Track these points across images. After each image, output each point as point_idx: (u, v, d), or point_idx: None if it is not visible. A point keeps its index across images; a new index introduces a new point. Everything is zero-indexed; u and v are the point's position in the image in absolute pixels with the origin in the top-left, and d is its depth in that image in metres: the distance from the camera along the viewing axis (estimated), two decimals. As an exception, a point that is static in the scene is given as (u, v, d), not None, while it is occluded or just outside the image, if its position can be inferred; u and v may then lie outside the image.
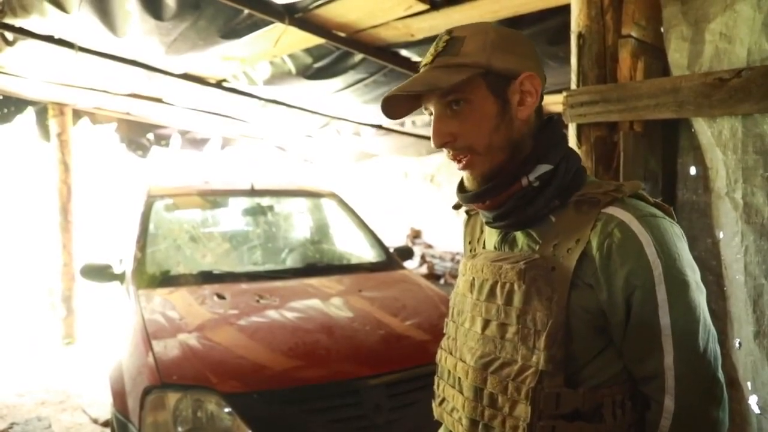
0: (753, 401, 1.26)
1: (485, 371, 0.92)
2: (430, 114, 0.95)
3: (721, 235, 1.31)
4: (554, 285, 0.86)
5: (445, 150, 0.95)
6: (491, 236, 1.04)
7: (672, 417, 0.83)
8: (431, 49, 0.94)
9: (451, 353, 1.03)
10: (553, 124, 0.97)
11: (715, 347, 0.86)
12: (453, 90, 0.89)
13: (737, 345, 1.28)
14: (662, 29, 1.46)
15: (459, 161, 0.94)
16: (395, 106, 0.98)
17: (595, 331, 0.87)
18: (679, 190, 1.45)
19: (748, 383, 1.27)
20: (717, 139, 1.29)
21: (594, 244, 0.85)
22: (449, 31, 0.93)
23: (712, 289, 1.34)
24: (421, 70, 0.93)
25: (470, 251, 1.11)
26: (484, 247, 1.06)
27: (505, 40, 0.91)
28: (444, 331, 1.09)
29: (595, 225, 0.86)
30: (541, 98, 0.95)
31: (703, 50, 1.33)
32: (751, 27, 1.23)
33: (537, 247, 0.92)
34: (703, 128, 1.32)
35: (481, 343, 0.95)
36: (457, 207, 1.12)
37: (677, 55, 1.39)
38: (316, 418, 1.94)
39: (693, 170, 1.41)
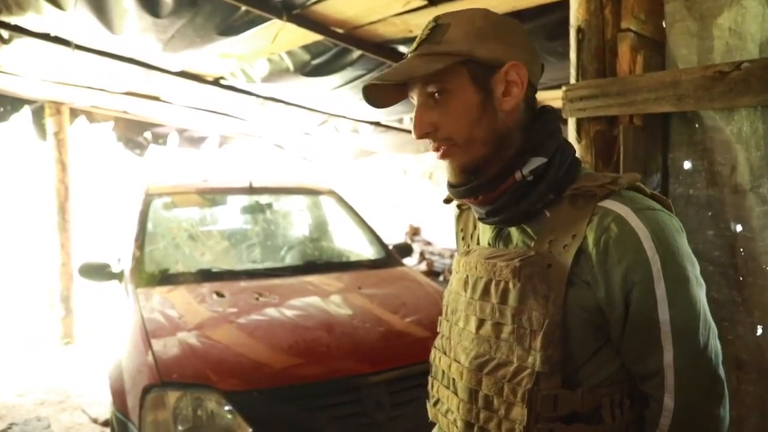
0: None
1: (480, 372, 0.89)
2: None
3: (739, 228, 1.31)
4: (550, 283, 0.84)
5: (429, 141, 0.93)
6: (485, 232, 1.01)
7: (672, 415, 0.81)
8: (418, 37, 0.92)
9: (445, 353, 1.01)
10: (547, 115, 0.93)
11: (715, 343, 0.84)
12: (433, 79, 0.87)
13: (759, 331, 1.29)
14: (664, 24, 1.46)
15: (438, 150, 0.91)
16: (380, 96, 0.96)
17: (592, 329, 0.85)
18: (672, 184, 1.45)
19: None
20: (737, 136, 1.29)
21: (590, 239, 0.82)
22: (436, 18, 0.90)
23: (714, 279, 1.35)
24: (406, 58, 0.91)
25: (464, 247, 1.08)
26: (478, 243, 1.04)
27: (493, 27, 0.88)
28: (438, 329, 1.07)
29: (591, 219, 0.83)
30: (535, 89, 0.92)
31: (712, 46, 1.33)
32: (760, 23, 1.23)
33: (532, 244, 0.89)
34: (720, 125, 1.32)
35: (476, 343, 0.92)
36: (448, 201, 1.09)
37: (685, 51, 1.38)
38: (316, 416, 1.94)
39: (688, 165, 1.41)
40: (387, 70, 0.90)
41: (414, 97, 0.92)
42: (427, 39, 0.89)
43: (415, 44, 0.91)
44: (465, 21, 0.88)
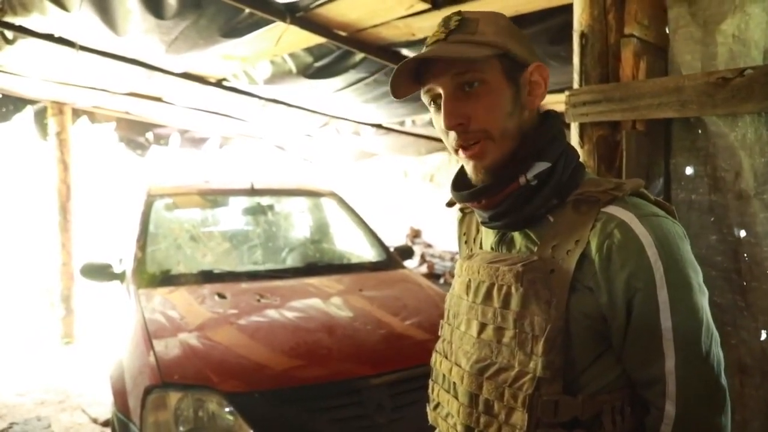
0: None
1: (481, 376, 0.89)
2: (430, 99, 0.91)
3: (743, 234, 1.32)
4: (553, 288, 0.84)
5: (451, 136, 0.90)
6: (488, 236, 1.01)
7: (673, 423, 0.81)
8: (440, 28, 0.90)
9: (446, 357, 1.00)
10: (551, 119, 0.93)
11: (717, 351, 0.84)
12: (471, 68, 0.86)
13: (764, 335, 1.30)
14: (667, 30, 1.46)
15: (468, 148, 0.88)
16: (398, 85, 0.93)
17: (594, 335, 0.85)
18: (674, 189, 1.45)
19: None
20: (740, 142, 1.29)
21: (593, 245, 0.82)
22: (459, 12, 0.90)
23: (717, 283, 1.35)
24: (432, 46, 0.89)
25: (467, 251, 1.08)
26: (481, 247, 1.04)
27: (513, 30, 0.90)
28: (439, 333, 1.06)
29: (595, 225, 0.83)
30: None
31: (716, 52, 1.33)
32: (764, 30, 1.24)
33: (535, 249, 0.89)
34: (723, 131, 1.33)
35: (477, 347, 0.91)
36: (450, 204, 1.08)
37: (689, 57, 1.39)
38: (317, 418, 1.94)
39: (690, 170, 1.42)
40: (432, 48, 0.88)
41: (435, 89, 0.89)
42: (457, 29, 0.88)
43: (442, 33, 0.89)
44: (491, 18, 0.89)
